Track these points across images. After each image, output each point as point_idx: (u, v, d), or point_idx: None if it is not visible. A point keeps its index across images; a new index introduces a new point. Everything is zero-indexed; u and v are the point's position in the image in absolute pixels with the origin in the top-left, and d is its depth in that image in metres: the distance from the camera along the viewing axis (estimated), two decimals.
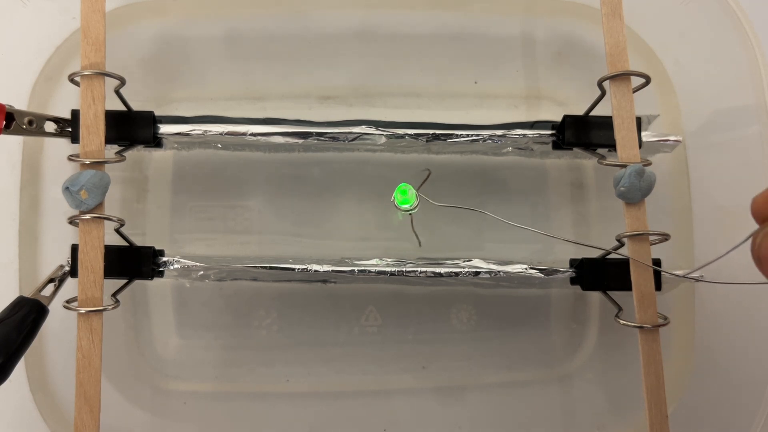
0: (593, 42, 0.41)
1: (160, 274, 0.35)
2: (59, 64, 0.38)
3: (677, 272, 0.34)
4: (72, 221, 0.31)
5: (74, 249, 0.32)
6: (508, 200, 0.41)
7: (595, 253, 0.35)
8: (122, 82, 0.33)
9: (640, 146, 0.32)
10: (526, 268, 0.35)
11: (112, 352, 0.38)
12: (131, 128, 0.34)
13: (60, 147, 0.38)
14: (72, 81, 0.32)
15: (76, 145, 0.32)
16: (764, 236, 0.23)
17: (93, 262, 0.31)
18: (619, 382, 0.40)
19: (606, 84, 0.32)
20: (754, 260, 0.23)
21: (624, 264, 0.32)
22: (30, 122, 0.33)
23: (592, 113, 0.34)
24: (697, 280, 0.35)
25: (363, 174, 0.40)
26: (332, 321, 0.40)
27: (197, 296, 0.40)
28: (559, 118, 0.36)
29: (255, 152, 0.39)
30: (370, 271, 0.35)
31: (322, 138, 0.35)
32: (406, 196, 0.32)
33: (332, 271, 0.35)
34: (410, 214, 0.32)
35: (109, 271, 0.32)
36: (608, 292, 0.35)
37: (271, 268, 0.35)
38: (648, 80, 0.32)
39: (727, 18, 0.37)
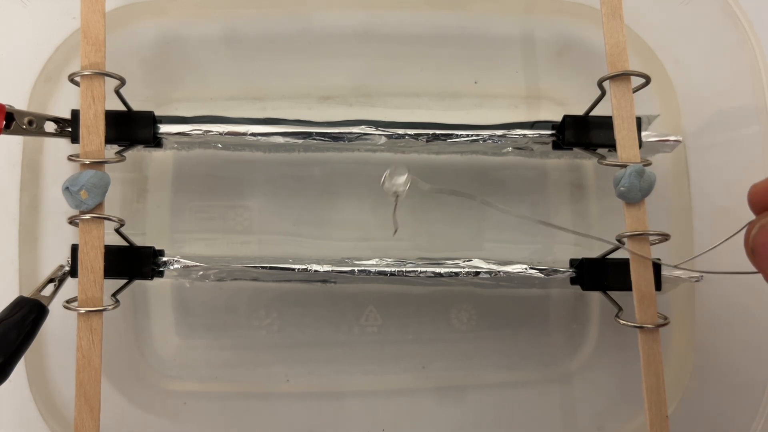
0: (593, 42, 0.41)
1: (160, 274, 0.35)
2: (59, 64, 0.38)
3: (676, 272, 0.34)
4: (72, 221, 0.31)
5: (74, 249, 0.32)
6: (508, 200, 0.41)
7: (595, 253, 0.35)
8: (122, 82, 0.33)
9: (640, 146, 0.32)
10: (526, 268, 0.35)
11: (112, 352, 0.38)
12: (131, 128, 0.34)
13: (60, 147, 0.38)
14: (72, 81, 0.32)
15: (76, 145, 0.32)
16: (760, 228, 0.23)
17: (93, 262, 0.31)
18: (619, 382, 0.40)
19: (606, 84, 0.32)
20: (746, 252, 0.23)
21: (624, 264, 0.32)
22: (30, 122, 0.33)
23: (592, 113, 0.34)
24: (698, 280, 0.35)
25: (363, 174, 0.40)
26: (332, 321, 0.40)
27: (197, 296, 0.40)
28: (559, 118, 0.35)
29: (255, 152, 0.39)
30: (370, 271, 0.35)
31: (322, 138, 0.35)
32: (398, 177, 0.30)
33: (332, 271, 0.35)
34: (397, 197, 0.30)
35: (109, 271, 0.32)
36: (608, 292, 0.35)
37: (271, 268, 0.35)
38: (648, 80, 0.32)
39: (727, 18, 0.37)
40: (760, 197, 0.24)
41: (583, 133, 0.35)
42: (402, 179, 0.29)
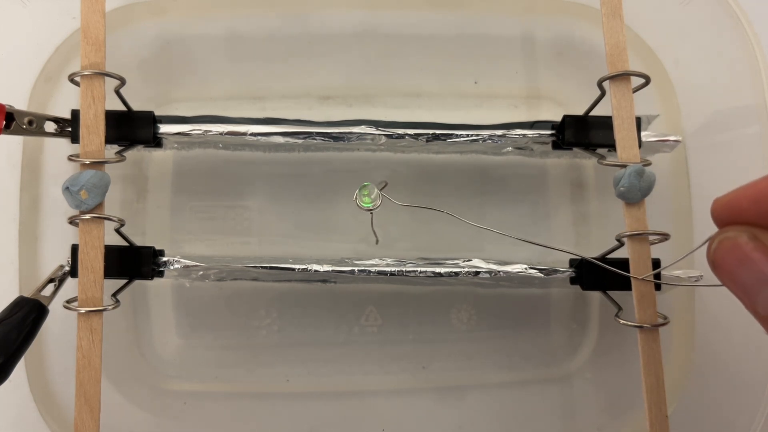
0: (593, 42, 0.41)
1: (160, 274, 0.35)
2: (59, 64, 0.38)
3: (676, 272, 0.34)
4: (72, 221, 0.31)
5: (74, 249, 0.32)
6: (508, 200, 0.41)
7: (595, 252, 0.35)
8: (122, 82, 0.33)
9: (639, 146, 0.32)
10: (526, 268, 0.35)
11: (112, 352, 0.38)
12: (131, 128, 0.34)
13: (60, 147, 0.38)
14: (72, 81, 0.32)
15: (76, 145, 0.32)
16: (719, 241, 0.23)
17: (93, 262, 0.31)
18: (619, 382, 0.40)
19: (606, 84, 0.32)
20: (708, 264, 0.23)
21: (624, 264, 0.32)
22: (30, 122, 0.33)
23: (592, 113, 0.34)
24: (697, 280, 0.35)
25: (363, 174, 0.40)
26: (332, 321, 0.40)
27: (197, 296, 0.40)
28: (559, 118, 0.36)
29: (255, 152, 0.39)
30: (370, 271, 0.35)
31: (323, 138, 0.35)
32: (368, 195, 0.32)
33: (332, 271, 0.35)
34: (371, 212, 0.32)
35: (109, 271, 0.32)
36: (608, 292, 0.35)
37: (271, 268, 0.35)
38: (648, 80, 0.32)
39: (727, 18, 0.37)
40: (718, 212, 0.24)
41: (583, 133, 0.35)
42: (372, 196, 0.32)
